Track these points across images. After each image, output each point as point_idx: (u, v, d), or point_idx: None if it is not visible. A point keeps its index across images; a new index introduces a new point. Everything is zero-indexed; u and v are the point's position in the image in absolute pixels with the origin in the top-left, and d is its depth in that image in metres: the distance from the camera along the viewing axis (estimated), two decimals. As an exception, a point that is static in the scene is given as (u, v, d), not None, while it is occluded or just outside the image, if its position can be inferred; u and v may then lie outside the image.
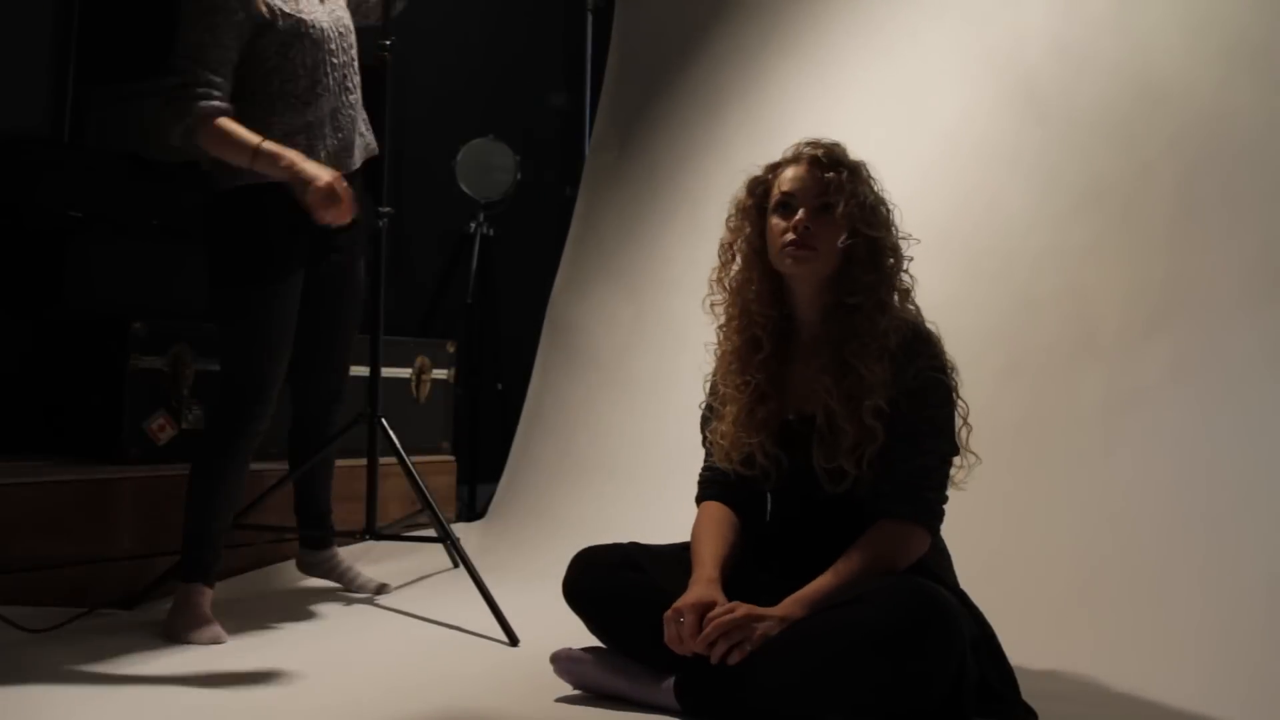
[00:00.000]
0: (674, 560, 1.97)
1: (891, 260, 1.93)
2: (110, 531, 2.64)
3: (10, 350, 3.12)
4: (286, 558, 2.91)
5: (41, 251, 3.20)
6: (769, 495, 2.03)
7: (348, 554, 3.01)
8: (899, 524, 1.85)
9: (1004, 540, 2.51)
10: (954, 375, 1.91)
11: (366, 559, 3.04)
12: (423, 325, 4.11)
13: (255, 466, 2.56)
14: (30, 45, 3.57)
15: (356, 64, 2.58)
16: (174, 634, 2.33)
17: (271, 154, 2.31)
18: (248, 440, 2.45)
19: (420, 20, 2.74)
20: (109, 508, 2.65)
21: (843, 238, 1.90)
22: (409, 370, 3.55)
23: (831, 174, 1.92)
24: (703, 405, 2.11)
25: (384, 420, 2.70)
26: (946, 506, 1.91)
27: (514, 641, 2.35)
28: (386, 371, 2.87)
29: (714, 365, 2.06)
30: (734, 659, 1.74)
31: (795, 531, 1.97)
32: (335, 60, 2.49)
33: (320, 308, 2.59)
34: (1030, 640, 2.01)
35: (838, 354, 1.89)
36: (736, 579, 1.90)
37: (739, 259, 2.01)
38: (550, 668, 1.98)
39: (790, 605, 1.78)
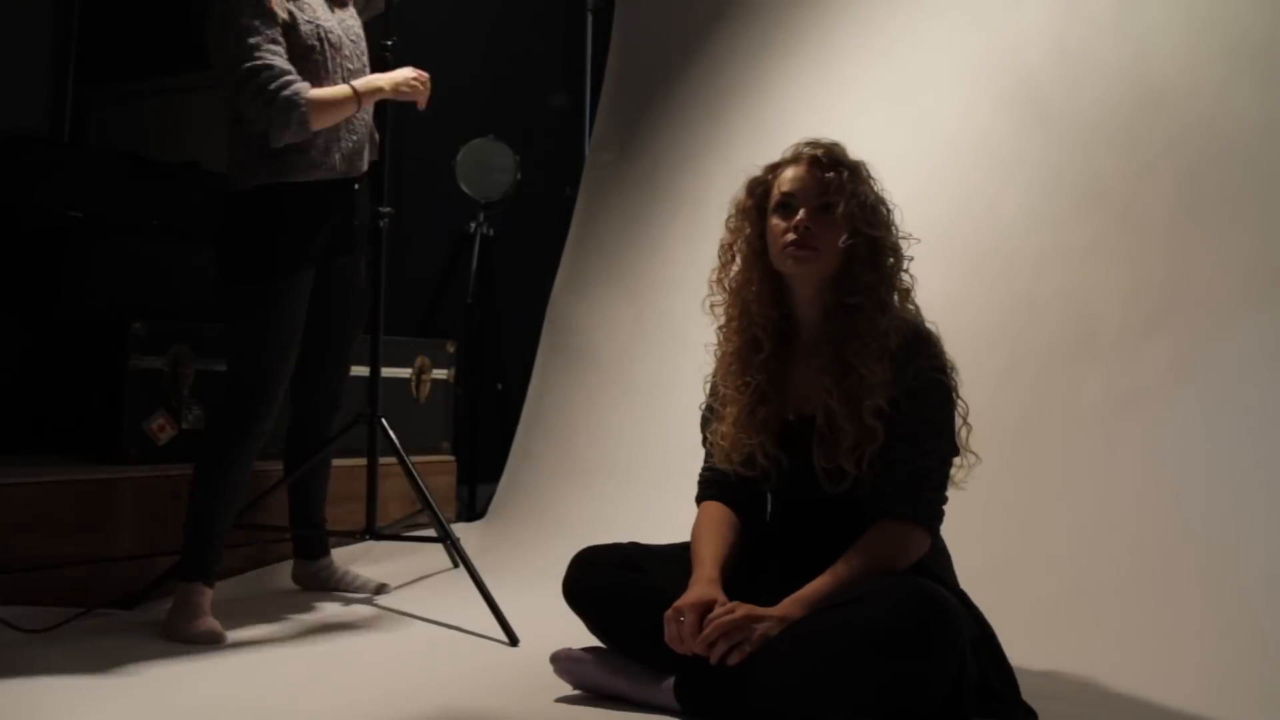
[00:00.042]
0: (674, 560, 1.97)
1: (892, 260, 1.93)
2: (110, 531, 2.64)
3: (10, 350, 3.13)
4: (286, 558, 2.91)
5: (41, 251, 3.20)
6: (769, 495, 2.03)
7: (347, 554, 3.02)
8: (899, 524, 1.85)
9: (1004, 540, 2.51)
10: (954, 375, 1.91)
11: (366, 559, 3.04)
12: (423, 325, 4.11)
13: (256, 466, 2.56)
14: (30, 45, 3.57)
15: (369, 70, 2.62)
16: (174, 633, 2.33)
17: (367, 90, 2.48)
18: (252, 440, 2.46)
19: (420, 20, 2.75)
20: (109, 508, 2.65)
21: (843, 238, 1.90)
22: (409, 370, 3.55)
23: (831, 174, 1.92)
24: (703, 406, 2.11)
25: (384, 420, 2.70)
26: (946, 507, 1.91)
27: (514, 641, 2.35)
28: (386, 371, 2.87)
29: (714, 366, 2.06)
30: (734, 659, 1.74)
31: (795, 531, 1.97)
32: (350, 66, 2.55)
33: (327, 309, 2.61)
34: (1030, 640, 2.01)
35: (838, 354, 1.89)
36: (737, 579, 1.90)
37: (739, 260, 2.01)
38: (550, 668, 1.98)
39: (790, 605, 1.78)
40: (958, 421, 1.90)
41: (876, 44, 3.36)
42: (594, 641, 2.00)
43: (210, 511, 2.43)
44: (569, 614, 2.01)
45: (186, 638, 2.31)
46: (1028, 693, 1.84)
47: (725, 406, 1.99)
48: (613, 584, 1.96)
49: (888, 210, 1.95)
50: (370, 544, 3.01)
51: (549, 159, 4.80)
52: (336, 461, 2.88)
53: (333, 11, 2.56)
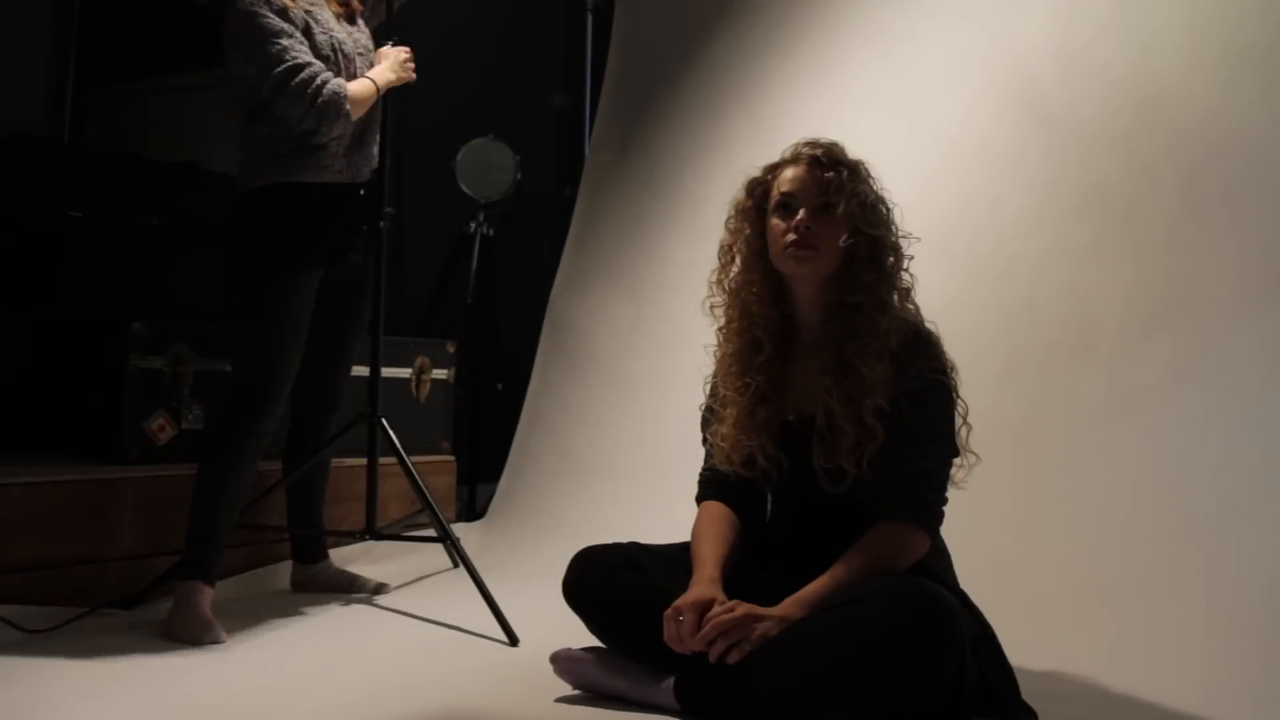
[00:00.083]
0: (674, 560, 1.97)
1: (892, 259, 1.93)
2: (110, 531, 2.64)
3: (10, 350, 3.13)
4: (286, 558, 2.91)
5: (41, 251, 3.20)
6: (769, 495, 2.03)
7: (347, 554, 3.02)
8: (899, 525, 1.85)
9: (1004, 540, 2.51)
10: (954, 375, 1.91)
11: (366, 559, 3.04)
12: (423, 325, 4.11)
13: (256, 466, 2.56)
14: (30, 45, 3.57)
15: None
16: (174, 633, 2.33)
17: (385, 84, 2.59)
18: (256, 439, 2.47)
19: (421, 21, 2.75)
20: (109, 508, 2.65)
21: (844, 237, 1.90)
22: (409, 370, 3.55)
23: (831, 173, 1.92)
24: (702, 407, 2.11)
25: (384, 420, 2.70)
26: (946, 507, 1.91)
27: (514, 641, 2.35)
28: (386, 371, 2.87)
29: (714, 367, 2.06)
30: (733, 658, 1.73)
31: (795, 532, 1.97)
32: (358, 76, 2.59)
33: (330, 312, 2.62)
34: (1030, 640, 2.01)
35: (838, 354, 1.89)
36: (737, 579, 1.90)
37: (739, 261, 2.01)
38: (550, 668, 1.98)
39: (790, 605, 1.78)
40: (958, 422, 1.90)
41: (877, 44, 3.36)
42: (594, 641, 1.99)
43: (212, 510, 2.43)
44: (569, 614, 2.01)
45: (186, 638, 2.31)
46: (1028, 693, 1.84)
47: (725, 407, 1.99)
48: (613, 584, 1.96)
49: (887, 209, 1.95)
50: (370, 544, 3.01)
51: (549, 159, 4.80)
52: (336, 461, 2.88)
53: (342, 25, 2.61)
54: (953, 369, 1.91)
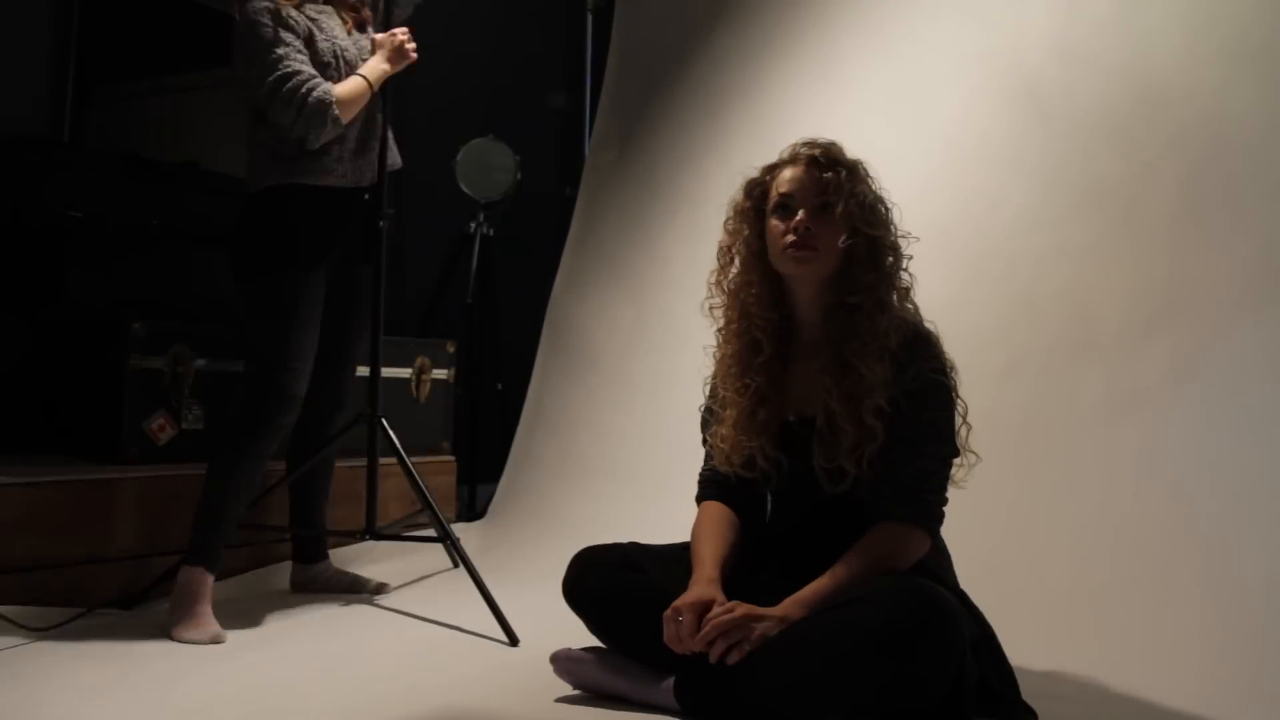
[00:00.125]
0: (674, 560, 1.97)
1: (891, 259, 1.93)
2: (110, 531, 2.64)
3: (10, 350, 3.13)
4: (286, 558, 2.91)
5: (41, 251, 3.20)
6: (769, 496, 2.03)
7: (347, 554, 3.02)
8: (899, 526, 1.85)
9: (1004, 540, 2.51)
10: (954, 375, 1.91)
11: (366, 559, 3.04)
12: (423, 325, 4.11)
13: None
14: (30, 45, 3.57)
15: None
16: (176, 632, 2.33)
17: (377, 77, 2.58)
18: (273, 432, 2.50)
19: (420, 20, 2.75)
20: (109, 508, 2.65)
21: (843, 237, 1.90)
22: (409, 370, 3.55)
23: (829, 174, 1.92)
24: (702, 408, 2.11)
25: (384, 420, 2.70)
26: (946, 507, 1.90)
27: (514, 641, 2.35)
28: (386, 371, 2.87)
29: (713, 368, 2.06)
30: (733, 659, 1.73)
31: (795, 532, 1.97)
32: None
33: (335, 314, 2.63)
34: (1030, 640, 2.01)
35: (838, 354, 1.89)
36: (736, 579, 1.90)
37: (738, 262, 2.01)
38: (550, 668, 1.98)
39: (789, 605, 1.78)
40: (958, 421, 1.90)
41: (876, 43, 3.36)
42: (594, 641, 1.99)
43: (223, 501, 2.46)
44: (569, 614, 2.01)
45: (187, 638, 2.31)
46: (1028, 693, 1.84)
47: (725, 409, 1.99)
48: (613, 584, 1.96)
49: (886, 209, 1.95)
50: (370, 544, 3.01)
51: (549, 159, 4.80)
52: (337, 462, 2.88)
53: (349, 35, 2.64)
54: (952, 369, 1.91)
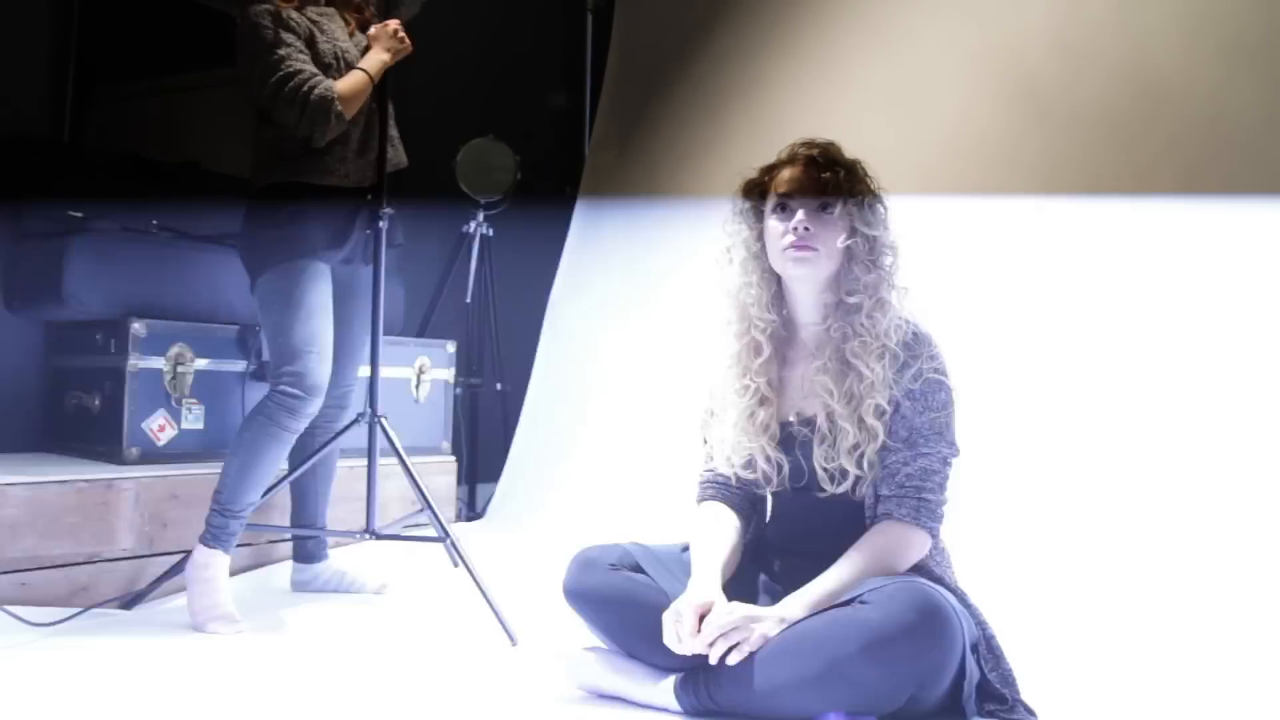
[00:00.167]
0: (674, 560, 1.97)
1: (890, 258, 1.93)
2: (110, 531, 2.64)
3: (11, 350, 3.13)
4: (286, 558, 2.91)
5: (41, 251, 3.20)
6: (769, 496, 2.03)
7: (347, 554, 3.01)
8: (899, 526, 1.85)
9: (1004, 540, 2.51)
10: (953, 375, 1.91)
11: (366, 559, 3.04)
12: (423, 325, 4.11)
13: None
14: (30, 45, 3.57)
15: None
16: (198, 621, 2.37)
17: (376, 70, 2.56)
18: (296, 421, 2.51)
19: (420, 20, 2.75)
20: (109, 508, 2.65)
21: (842, 237, 1.90)
22: (409, 370, 3.55)
23: (828, 174, 1.92)
24: (702, 409, 2.10)
25: (384, 420, 2.70)
26: (946, 507, 1.90)
27: (514, 641, 2.35)
28: (386, 371, 2.87)
29: (713, 369, 2.06)
30: (733, 659, 1.73)
31: (795, 532, 1.97)
32: None
33: (339, 313, 2.63)
34: (1030, 640, 2.01)
35: (838, 353, 1.89)
36: (737, 579, 1.90)
37: (736, 262, 2.01)
38: (550, 668, 1.98)
39: (789, 605, 1.78)
40: (958, 421, 1.90)
41: (875, 42, 3.36)
42: (594, 641, 1.99)
43: (241, 488, 2.47)
44: (569, 614, 2.01)
45: (210, 628, 2.35)
46: (1028, 693, 1.84)
47: (724, 410, 1.99)
48: (613, 584, 1.95)
49: (885, 208, 1.95)
50: (370, 544, 3.00)
51: (549, 159, 4.80)
52: (337, 462, 2.88)
53: (350, 37, 2.65)
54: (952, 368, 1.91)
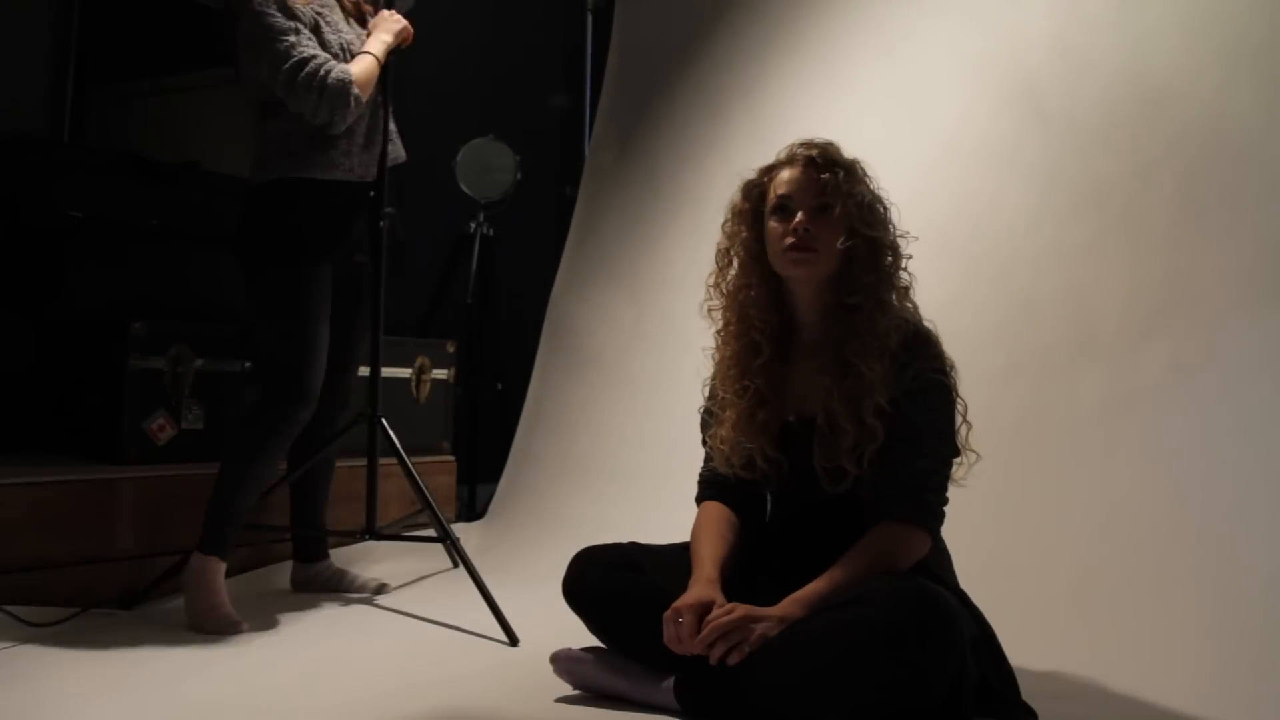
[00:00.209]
0: (674, 560, 1.97)
1: (890, 259, 1.93)
2: (110, 531, 2.64)
3: (11, 350, 3.13)
4: (286, 558, 2.91)
5: (41, 251, 3.20)
6: (769, 496, 2.03)
7: (347, 554, 3.02)
8: (900, 526, 1.85)
9: (1004, 540, 2.51)
10: (953, 375, 1.91)
11: (366, 559, 3.04)
12: (423, 325, 4.11)
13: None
14: (30, 45, 3.57)
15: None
16: (198, 624, 2.37)
17: (384, 52, 2.59)
18: (289, 425, 2.51)
19: (420, 20, 2.75)
20: (109, 508, 2.65)
21: (841, 238, 1.90)
22: (409, 370, 3.55)
23: (827, 174, 1.92)
24: (701, 410, 2.11)
25: (384, 420, 2.70)
26: (947, 507, 1.90)
27: (514, 641, 2.35)
28: (386, 371, 2.87)
29: (712, 370, 2.06)
30: (733, 660, 1.73)
31: (795, 532, 1.97)
32: None
33: (340, 310, 2.64)
34: (1030, 640, 2.01)
35: (838, 354, 1.89)
36: (736, 579, 1.90)
37: (736, 264, 2.01)
38: (550, 668, 1.98)
39: (789, 605, 1.78)
40: (958, 421, 1.90)
41: (876, 43, 3.36)
42: (594, 641, 2.00)
43: (237, 493, 2.48)
44: (569, 614, 2.01)
45: (210, 629, 2.35)
46: (1028, 693, 1.84)
47: (724, 410, 1.99)
48: (613, 584, 1.96)
49: (884, 209, 1.95)
50: (370, 544, 3.01)
51: (549, 159, 4.80)
52: (336, 462, 2.88)
53: (352, 27, 2.65)
54: (952, 368, 1.91)
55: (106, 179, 3.28)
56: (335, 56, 2.52)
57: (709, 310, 2.03)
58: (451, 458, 3.67)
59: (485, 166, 4.21)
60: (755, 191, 2.00)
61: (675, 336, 3.25)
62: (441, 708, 1.92)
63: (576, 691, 1.97)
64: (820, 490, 1.88)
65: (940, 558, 1.93)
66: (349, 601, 2.72)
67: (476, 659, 2.26)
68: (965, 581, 1.95)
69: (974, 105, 3.09)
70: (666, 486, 2.69)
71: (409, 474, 2.68)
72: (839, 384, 1.87)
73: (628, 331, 3.60)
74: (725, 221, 2.03)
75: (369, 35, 2.63)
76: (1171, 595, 2.28)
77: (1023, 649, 1.93)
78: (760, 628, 1.75)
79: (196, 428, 2.93)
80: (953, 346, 1.95)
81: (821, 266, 1.91)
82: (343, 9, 2.65)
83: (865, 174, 1.96)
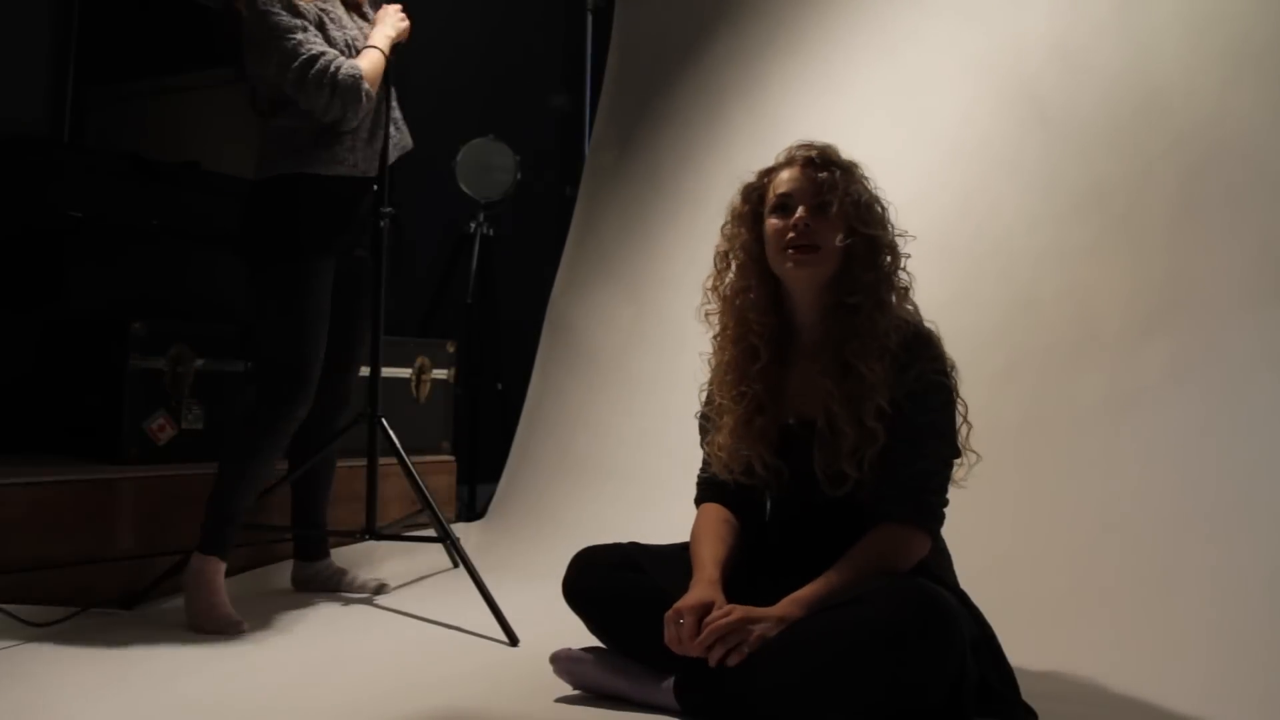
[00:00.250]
0: (674, 560, 1.97)
1: (889, 258, 1.93)
2: (110, 531, 2.64)
3: (11, 350, 3.13)
4: (286, 558, 2.91)
5: (41, 251, 3.20)
6: (768, 498, 2.03)
7: (347, 554, 3.02)
8: (900, 527, 1.85)
9: (1004, 540, 2.51)
10: (954, 375, 1.91)
11: (366, 559, 3.04)
12: (423, 325, 4.11)
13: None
14: (30, 45, 3.57)
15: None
16: (198, 624, 2.37)
17: (387, 44, 2.60)
18: (286, 424, 2.51)
19: (420, 20, 2.75)
20: (109, 508, 2.65)
21: (840, 237, 1.90)
22: (409, 370, 3.55)
23: (825, 174, 1.92)
24: (699, 415, 2.10)
25: (384, 420, 2.70)
26: (947, 508, 1.90)
27: (514, 641, 2.35)
28: (386, 371, 2.87)
29: (709, 375, 2.06)
30: (732, 661, 1.73)
31: (795, 534, 1.96)
32: None
33: (341, 308, 2.64)
34: (1030, 640, 2.01)
35: (838, 355, 1.88)
36: (736, 580, 1.90)
37: (735, 266, 2.01)
38: (550, 668, 1.98)
39: (788, 605, 1.78)
40: (958, 421, 1.90)
41: (878, 44, 3.36)
42: (594, 641, 1.99)
43: (236, 492, 2.48)
44: (569, 614, 2.01)
45: (211, 629, 2.35)
46: (1028, 693, 1.84)
47: (721, 417, 1.99)
48: (613, 584, 1.96)
49: (882, 208, 1.95)
50: (370, 544, 3.01)
51: (549, 159, 4.80)
52: (337, 463, 2.88)
53: (355, 22, 2.66)
54: (953, 368, 1.91)
55: (106, 179, 3.28)
56: (341, 52, 2.53)
57: (706, 314, 2.03)
58: (451, 458, 3.67)
59: (485, 166, 4.21)
60: (754, 194, 2.00)
61: (675, 336, 3.25)
62: (441, 708, 1.92)
63: (576, 691, 1.97)
64: (820, 494, 1.88)
65: (940, 558, 1.93)
66: (349, 601, 2.72)
67: (476, 659, 2.26)
68: (965, 581, 1.95)
69: (976, 106, 3.09)
70: (666, 486, 2.69)
71: (409, 474, 2.68)
72: (839, 385, 1.87)
73: (627, 331, 3.60)
74: (724, 224, 2.03)
75: (373, 29, 2.64)
76: (1172, 595, 2.28)
77: (1023, 649, 1.92)
78: (759, 629, 1.74)
79: (196, 428, 2.93)
80: (953, 347, 1.94)
81: (822, 267, 1.91)
82: (344, 3, 2.65)
83: (863, 175, 1.96)
